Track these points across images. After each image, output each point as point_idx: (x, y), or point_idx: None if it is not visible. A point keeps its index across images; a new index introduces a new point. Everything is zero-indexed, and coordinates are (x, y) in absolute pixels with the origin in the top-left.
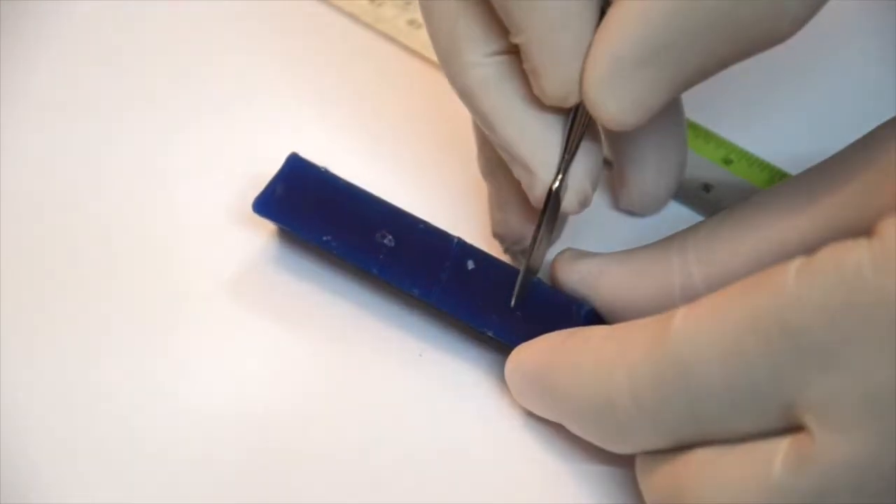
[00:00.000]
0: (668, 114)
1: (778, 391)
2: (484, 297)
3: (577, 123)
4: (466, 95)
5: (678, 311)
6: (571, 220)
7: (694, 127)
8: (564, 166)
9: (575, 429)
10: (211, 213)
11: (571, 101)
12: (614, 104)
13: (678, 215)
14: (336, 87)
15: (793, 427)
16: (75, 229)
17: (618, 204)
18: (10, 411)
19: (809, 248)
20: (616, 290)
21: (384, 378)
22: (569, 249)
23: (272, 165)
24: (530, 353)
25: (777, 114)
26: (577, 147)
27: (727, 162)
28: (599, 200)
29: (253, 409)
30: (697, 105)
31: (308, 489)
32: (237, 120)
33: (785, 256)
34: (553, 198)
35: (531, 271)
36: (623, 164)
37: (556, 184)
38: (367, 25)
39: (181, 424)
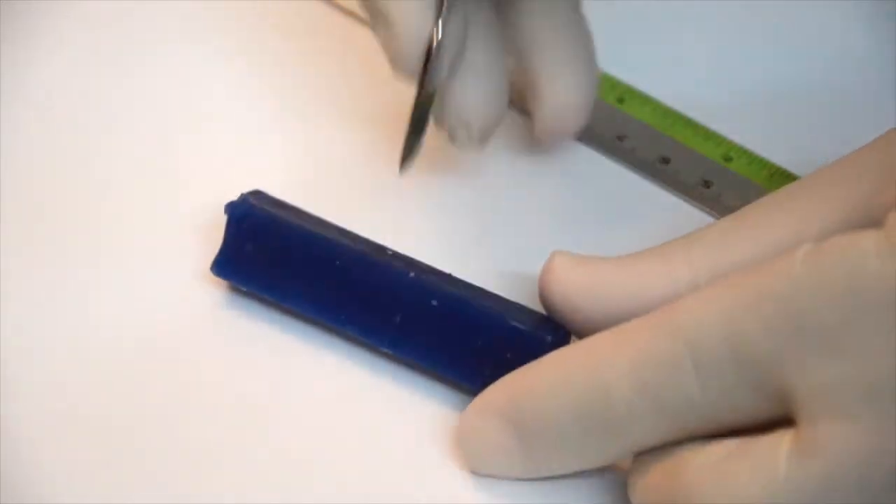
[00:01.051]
0: (572, 27)
1: (780, 374)
2: (441, 339)
3: None
4: None
5: (686, 296)
6: (566, 220)
7: (694, 125)
8: (442, 20)
9: (546, 458)
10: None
11: None
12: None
13: (678, 210)
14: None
15: (790, 415)
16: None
17: (535, 130)
18: None
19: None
20: (618, 300)
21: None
22: (559, 253)
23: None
24: (500, 389)
25: (777, 112)
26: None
27: (727, 159)
28: (595, 201)
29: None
30: (697, 103)
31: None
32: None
33: None
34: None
35: (415, 136)
36: (535, 80)
37: (435, 39)
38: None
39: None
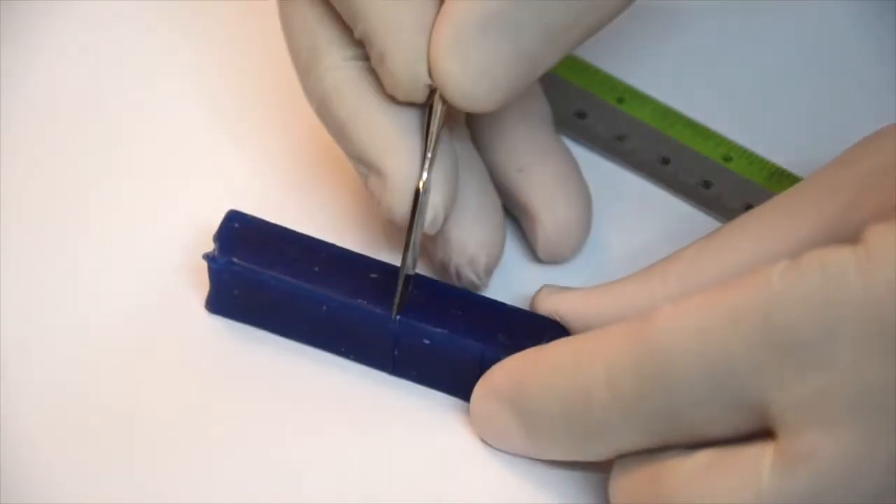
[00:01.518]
0: (556, 150)
1: (757, 387)
2: (438, 371)
3: (434, 120)
4: (324, 104)
5: (663, 307)
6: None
7: (694, 125)
8: (428, 166)
9: (545, 445)
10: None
11: (421, 87)
12: (461, 73)
13: (679, 212)
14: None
15: (768, 427)
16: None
17: (539, 254)
18: None
19: None
20: (600, 324)
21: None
22: (546, 286)
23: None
24: (503, 371)
25: (777, 112)
26: (436, 147)
27: (727, 159)
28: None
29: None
30: (698, 103)
31: None
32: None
33: None
34: (418, 198)
35: (408, 276)
36: (530, 206)
37: (420, 185)
38: None
39: None
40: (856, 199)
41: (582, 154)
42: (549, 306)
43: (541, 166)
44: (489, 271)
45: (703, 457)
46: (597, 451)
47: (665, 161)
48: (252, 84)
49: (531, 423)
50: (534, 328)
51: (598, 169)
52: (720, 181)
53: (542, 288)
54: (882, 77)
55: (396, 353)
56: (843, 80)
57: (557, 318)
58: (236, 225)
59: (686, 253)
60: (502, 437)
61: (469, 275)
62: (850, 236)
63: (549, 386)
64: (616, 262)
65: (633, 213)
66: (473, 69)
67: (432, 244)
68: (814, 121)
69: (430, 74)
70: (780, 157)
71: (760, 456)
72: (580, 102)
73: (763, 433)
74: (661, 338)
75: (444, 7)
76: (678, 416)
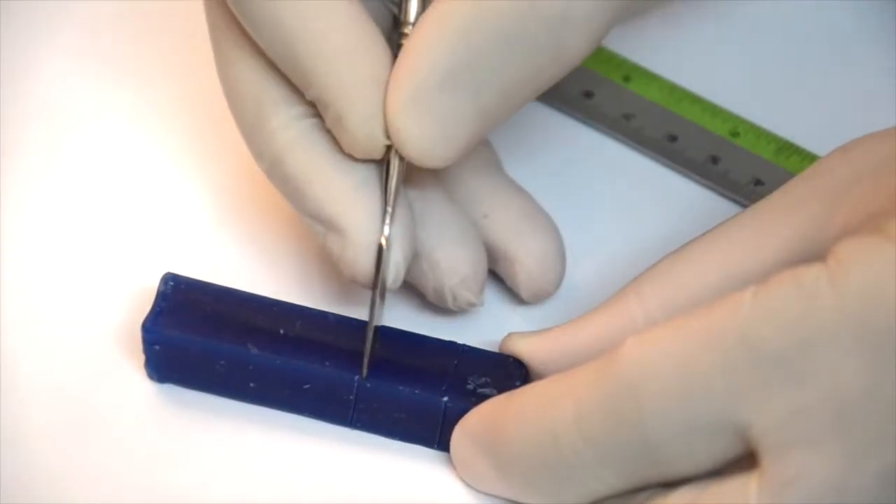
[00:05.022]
0: (515, 191)
1: (735, 410)
2: (396, 427)
3: (392, 175)
4: (276, 164)
5: (626, 340)
6: (574, 201)
7: (701, 101)
8: (389, 220)
9: (522, 489)
10: None
11: (380, 146)
12: (420, 132)
13: (686, 188)
14: None
15: (748, 451)
16: None
17: (522, 294)
18: None
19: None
20: (570, 363)
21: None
22: (512, 336)
23: None
24: (477, 416)
25: (784, 86)
26: (395, 202)
27: (734, 134)
28: (603, 181)
29: None
30: (703, 80)
31: None
32: None
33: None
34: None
35: (375, 332)
36: (504, 247)
37: (383, 241)
38: None
39: None
40: (827, 212)
41: (589, 134)
42: (515, 353)
43: (504, 209)
44: (482, 289)
45: (684, 494)
46: (573, 495)
47: (672, 138)
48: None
49: (507, 469)
50: (501, 370)
51: (605, 148)
52: (728, 157)
53: (505, 339)
54: (889, 52)
55: (352, 412)
56: (849, 54)
57: (532, 370)
58: (173, 288)
59: (659, 268)
60: (481, 481)
61: (466, 294)
62: (822, 250)
63: (520, 431)
64: (618, 260)
65: (641, 192)
66: (432, 128)
67: (422, 274)
68: (821, 95)
69: (388, 133)
70: (788, 132)
71: (745, 485)
72: (587, 82)
73: (743, 461)
74: (628, 370)
75: (400, 62)
76: (653, 450)
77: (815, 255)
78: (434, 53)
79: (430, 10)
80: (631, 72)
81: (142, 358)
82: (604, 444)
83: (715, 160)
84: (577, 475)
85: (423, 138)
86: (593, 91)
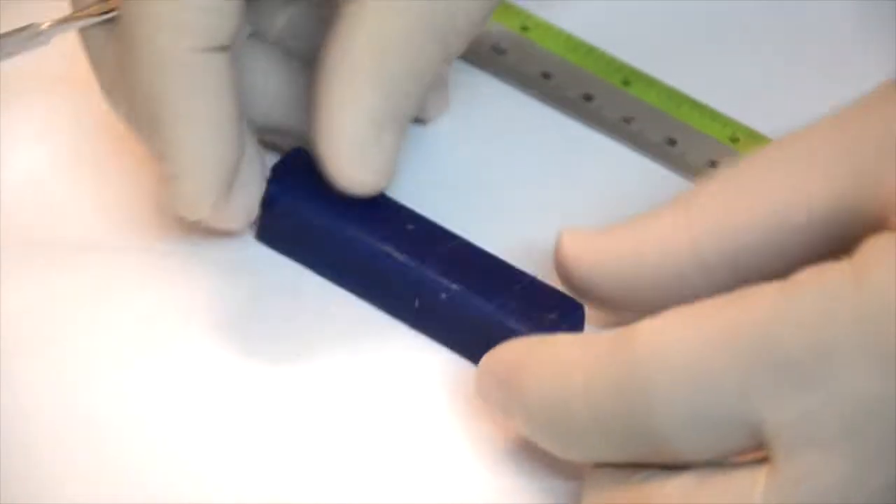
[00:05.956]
0: None
1: (748, 407)
2: (454, 331)
3: None
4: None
5: (645, 322)
6: (573, 204)
7: (700, 106)
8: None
9: (531, 433)
10: None
11: (202, 213)
12: (372, 177)
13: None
14: None
15: (757, 446)
16: None
17: None
18: None
19: (814, 213)
20: (629, 274)
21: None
22: (567, 232)
23: None
24: (503, 355)
25: (782, 92)
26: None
27: (734, 140)
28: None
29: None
30: (703, 86)
31: None
32: None
33: (794, 225)
34: None
35: None
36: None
37: None
38: None
39: None
40: (879, 156)
41: (589, 136)
42: (571, 257)
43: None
44: None
45: (688, 478)
46: (576, 455)
47: (672, 142)
48: None
49: (518, 412)
50: (549, 310)
51: (604, 151)
52: (727, 162)
53: (562, 233)
54: (889, 54)
55: (417, 304)
56: (849, 57)
57: (576, 270)
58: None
59: (709, 189)
60: (496, 411)
61: None
62: (873, 202)
63: (534, 387)
64: None
65: (640, 196)
66: (381, 167)
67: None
68: (819, 101)
69: (334, 180)
70: None
71: (753, 479)
72: (586, 85)
73: (745, 452)
74: (640, 357)
75: (328, 116)
76: (657, 437)
77: (865, 201)
78: (363, 105)
79: (343, 45)
80: (630, 75)
81: (143, 352)
82: (609, 423)
83: (713, 165)
84: (583, 441)
85: (376, 177)
86: (593, 94)
